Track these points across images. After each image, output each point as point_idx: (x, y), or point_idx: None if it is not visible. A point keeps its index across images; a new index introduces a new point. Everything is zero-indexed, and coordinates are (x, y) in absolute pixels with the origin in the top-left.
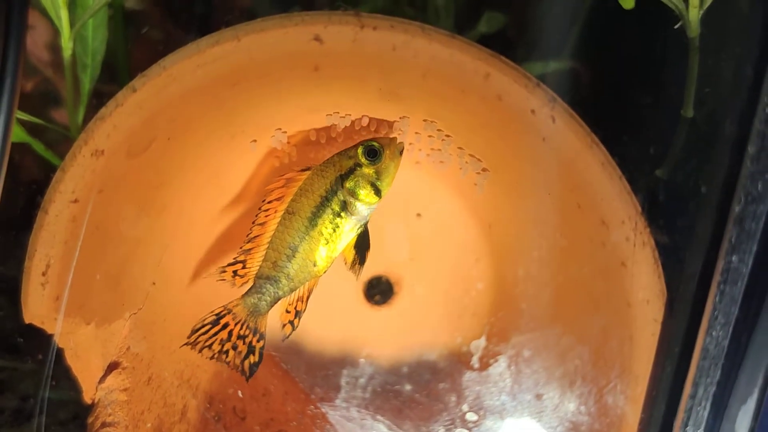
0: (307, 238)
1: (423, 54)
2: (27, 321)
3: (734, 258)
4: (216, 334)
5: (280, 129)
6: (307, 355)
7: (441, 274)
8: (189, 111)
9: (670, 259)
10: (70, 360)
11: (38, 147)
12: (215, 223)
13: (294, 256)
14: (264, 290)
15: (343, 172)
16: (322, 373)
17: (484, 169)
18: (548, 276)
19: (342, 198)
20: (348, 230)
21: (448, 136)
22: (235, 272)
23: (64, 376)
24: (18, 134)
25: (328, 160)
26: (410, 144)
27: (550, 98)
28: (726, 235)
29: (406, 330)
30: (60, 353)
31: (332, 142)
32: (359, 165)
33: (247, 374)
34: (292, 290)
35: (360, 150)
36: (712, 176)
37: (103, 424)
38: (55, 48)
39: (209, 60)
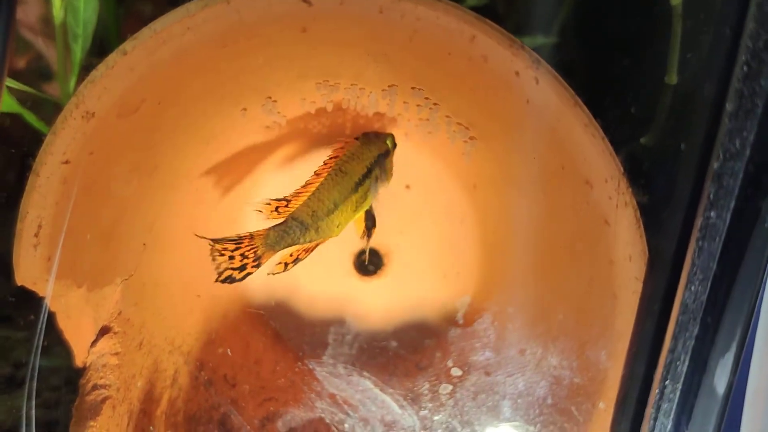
0: (347, 200)
1: (409, 15)
2: (19, 283)
3: (712, 214)
4: (229, 249)
5: (270, 98)
6: (297, 317)
7: (429, 242)
8: (179, 74)
9: (651, 219)
10: (62, 323)
11: (30, 117)
12: (206, 188)
13: (332, 212)
14: (291, 232)
15: (381, 152)
16: (309, 330)
17: (471, 138)
18: (532, 235)
19: (376, 175)
20: (366, 204)
21: (435, 104)
22: (277, 208)
23: (55, 343)
24: (10, 104)
25: (370, 136)
26: (399, 115)
27: (534, 60)
28: (704, 192)
29: (394, 293)
30: (51, 318)
31: (322, 112)
32: (389, 150)
33: (220, 278)
34: (310, 241)
35: (389, 139)
36: (692, 136)
37: (95, 387)
38: (46, 21)
39: (199, 22)
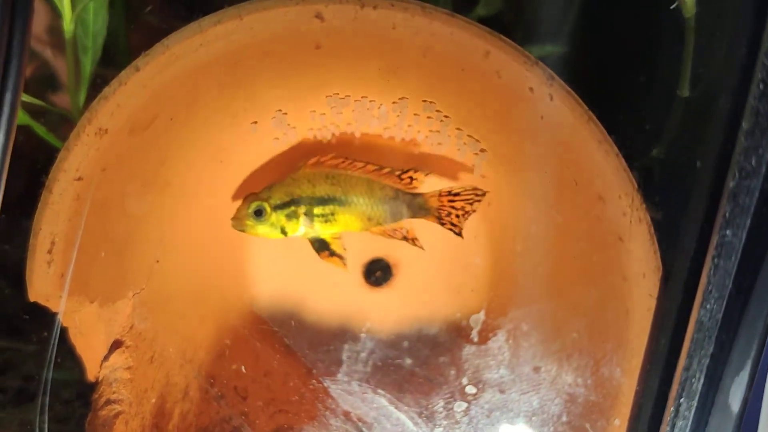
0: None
1: (423, 32)
2: (32, 299)
3: (728, 232)
4: None
5: (280, 110)
6: (309, 332)
7: (439, 253)
8: (191, 90)
9: (665, 235)
10: (74, 338)
11: (40, 130)
12: (217, 203)
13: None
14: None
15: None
16: (323, 348)
17: (482, 150)
18: (545, 251)
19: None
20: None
21: (446, 116)
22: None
23: (67, 357)
24: (19, 117)
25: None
26: (408, 126)
27: (548, 76)
28: (720, 210)
29: (406, 306)
30: (63, 332)
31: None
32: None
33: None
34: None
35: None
36: (707, 153)
37: (108, 402)
38: (54, 31)
39: (211, 39)
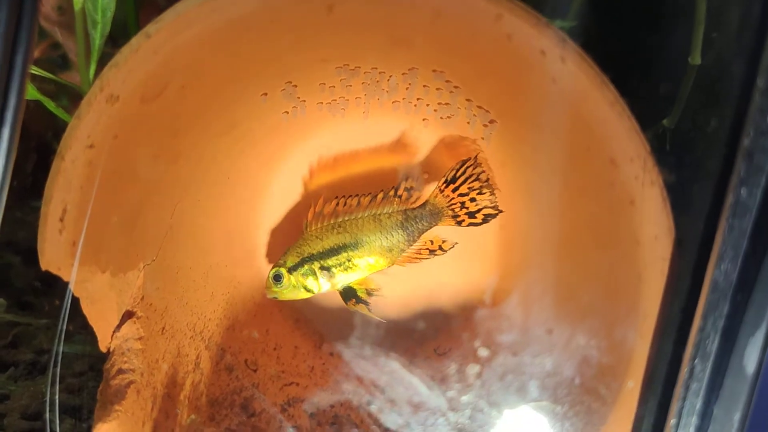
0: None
1: None
2: (44, 268)
3: (743, 191)
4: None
5: (290, 82)
6: (320, 299)
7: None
8: (202, 58)
9: (679, 198)
10: (86, 308)
11: (50, 105)
12: (228, 175)
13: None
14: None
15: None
16: (335, 313)
17: (491, 121)
18: (558, 214)
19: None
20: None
21: (456, 87)
22: (407, 189)
23: (79, 330)
24: (30, 92)
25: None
26: (418, 99)
27: (561, 39)
28: (735, 169)
29: (418, 274)
30: (75, 304)
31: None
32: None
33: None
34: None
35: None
36: (721, 113)
37: (120, 371)
38: (63, 9)
39: (223, 4)
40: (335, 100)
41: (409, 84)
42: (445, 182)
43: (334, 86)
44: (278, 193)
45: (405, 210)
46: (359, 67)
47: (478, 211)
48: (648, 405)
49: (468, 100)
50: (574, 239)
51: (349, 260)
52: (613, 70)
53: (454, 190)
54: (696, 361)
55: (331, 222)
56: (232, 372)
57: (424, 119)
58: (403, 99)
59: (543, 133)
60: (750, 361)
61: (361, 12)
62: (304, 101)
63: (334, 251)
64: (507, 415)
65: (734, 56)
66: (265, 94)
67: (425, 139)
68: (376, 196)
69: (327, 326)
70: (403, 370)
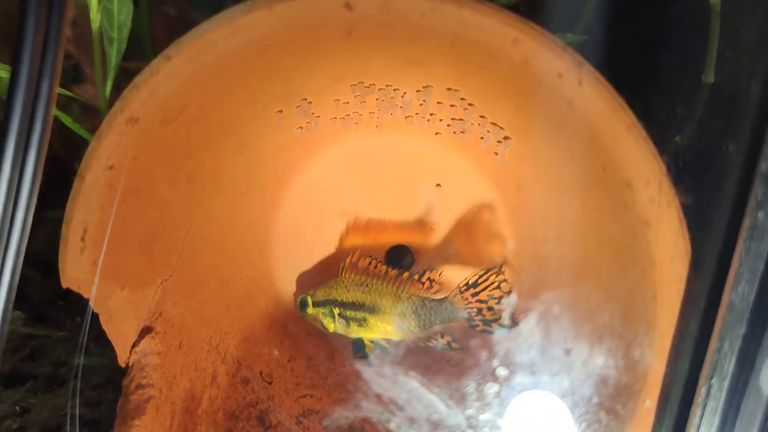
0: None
1: (452, 20)
2: (65, 285)
3: (760, 214)
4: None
5: (305, 99)
6: None
7: (466, 237)
8: (221, 79)
9: (696, 219)
10: (105, 324)
11: (66, 120)
12: (243, 191)
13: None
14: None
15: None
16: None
17: (505, 137)
18: (577, 236)
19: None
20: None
21: (471, 104)
22: (430, 280)
23: (95, 343)
24: None
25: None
26: (431, 114)
27: (577, 62)
28: (752, 193)
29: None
30: (94, 319)
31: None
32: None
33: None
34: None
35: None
36: (737, 135)
37: (138, 386)
38: (77, 23)
39: (242, 28)
40: (349, 115)
41: (423, 101)
42: (466, 285)
43: (348, 102)
44: (291, 206)
45: (424, 297)
46: (374, 85)
47: (495, 320)
48: (664, 424)
49: (482, 116)
50: (591, 260)
51: (364, 319)
52: (625, 85)
53: (473, 295)
54: (713, 380)
55: (361, 279)
56: (248, 385)
57: (437, 133)
58: (417, 114)
59: (558, 153)
60: (766, 380)
61: (380, 36)
62: (318, 117)
63: (355, 306)
64: None
65: (749, 76)
66: (281, 111)
67: (438, 151)
68: (402, 273)
69: (345, 344)
70: (422, 388)
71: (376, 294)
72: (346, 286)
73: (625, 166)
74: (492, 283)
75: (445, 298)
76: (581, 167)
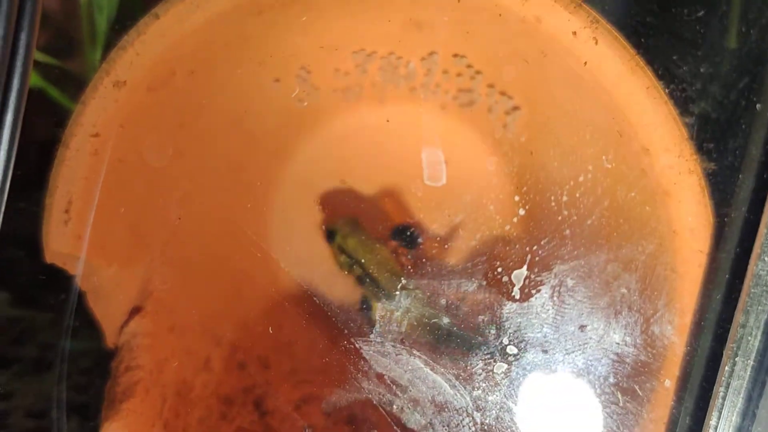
0: None
1: None
2: (48, 260)
3: None
4: None
5: (304, 68)
6: (339, 292)
7: (474, 211)
8: (212, 42)
9: (720, 187)
10: (92, 303)
11: (53, 92)
12: (238, 164)
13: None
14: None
15: None
16: (355, 308)
17: (514, 108)
18: (591, 203)
19: None
20: None
21: (478, 72)
22: None
23: (84, 325)
24: (32, 79)
25: None
26: (436, 86)
27: (593, 19)
28: None
29: (441, 264)
30: (81, 298)
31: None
32: None
33: None
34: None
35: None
36: (764, 99)
37: (127, 368)
38: None
39: None
40: (350, 86)
41: (428, 69)
42: None
43: (349, 72)
44: (290, 183)
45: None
46: (375, 52)
47: None
48: (685, 404)
49: (490, 86)
50: (607, 230)
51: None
52: (643, 43)
53: None
54: (737, 358)
55: (390, 264)
56: (244, 369)
57: (442, 107)
58: (421, 85)
59: (572, 118)
60: None
61: None
62: (318, 88)
63: (374, 282)
64: (535, 415)
65: None
66: (278, 80)
67: (445, 126)
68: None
69: (344, 321)
70: (426, 368)
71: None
72: (376, 257)
73: (643, 131)
74: None
75: None
76: (597, 132)
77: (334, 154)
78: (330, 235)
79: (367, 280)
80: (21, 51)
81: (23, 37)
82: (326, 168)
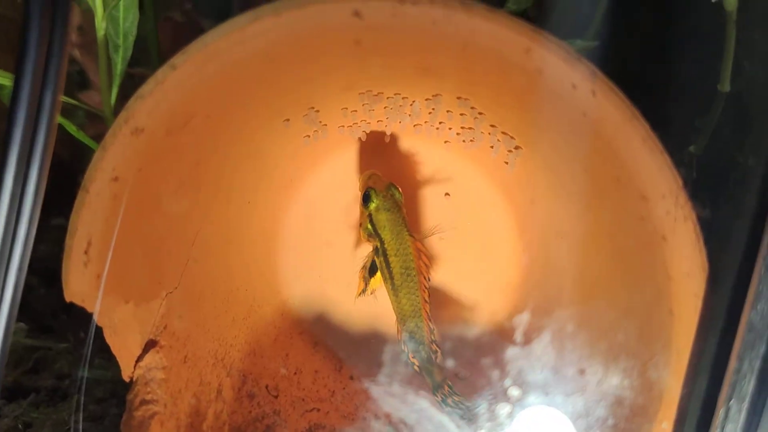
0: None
1: (463, 28)
2: (68, 299)
3: None
4: None
5: (313, 108)
6: (345, 332)
7: (476, 251)
8: (228, 88)
9: (713, 234)
10: (109, 338)
11: (70, 128)
12: (249, 202)
13: None
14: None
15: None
16: (365, 349)
17: (516, 147)
18: (590, 250)
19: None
20: None
21: (481, 113)
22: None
23: (98, 356)
24: None
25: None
26: (441, 123)
27: (591, 72)
28: None
29: (445, 306)
30: (98, 332)
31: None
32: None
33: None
34: None
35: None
36: (757, 148)
37: (143, 402)
38: (83, 30)
39: (249, 36)
40: (357, 123)
41: (432, 109)
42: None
43: (356, 111)
44: (297, 216)
45: (429, 343)
46: (382, 93)
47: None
48: None
49: (492, 126)
50: (605, 275)
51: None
52: (639, 94)
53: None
54: (732, 401)
55: (408, 269)
56: (254, 399)
57: (446, 142)
58: (426, 123)
59: (571, 164)
60: None
61: (389, 43)
62: (326, 125)
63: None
64: None
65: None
66: (288, 120)
67: (447, 161)
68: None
69: (354, 362)
70: (432, 408)
71: (404, 297)
72: (399, 244)
73: (640, 179)
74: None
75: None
76: (595, 179)
77: (341, 189)
78: (366, 198)
79: (381, 257)
80: (47, 101)
81: (50, 87)
82: (334, 203)
